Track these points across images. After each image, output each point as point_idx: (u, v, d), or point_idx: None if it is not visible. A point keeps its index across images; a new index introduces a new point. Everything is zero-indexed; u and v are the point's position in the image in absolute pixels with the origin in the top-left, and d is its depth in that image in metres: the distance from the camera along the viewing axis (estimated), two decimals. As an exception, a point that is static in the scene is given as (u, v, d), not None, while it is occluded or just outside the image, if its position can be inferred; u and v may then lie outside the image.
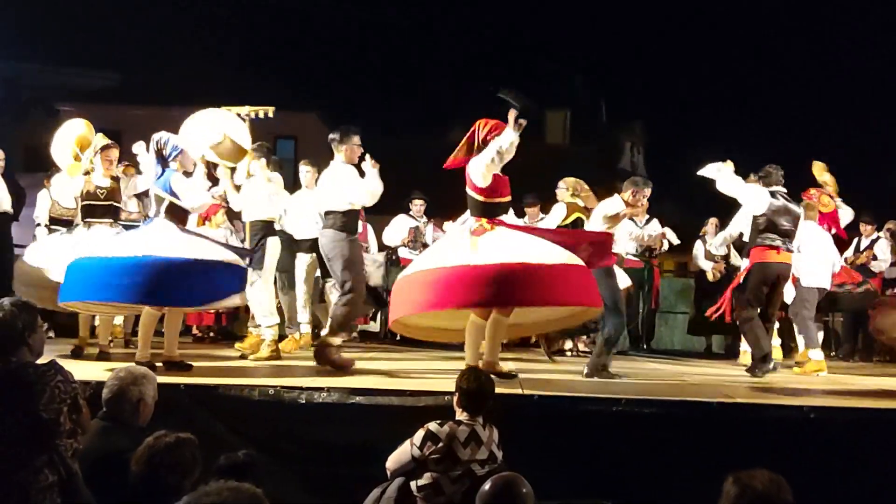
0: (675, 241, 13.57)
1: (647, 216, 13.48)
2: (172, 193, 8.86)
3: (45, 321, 6.10)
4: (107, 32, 36.60)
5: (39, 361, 4.85)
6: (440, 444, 5.78)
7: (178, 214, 8.92)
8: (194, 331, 12.88)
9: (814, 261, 10.90)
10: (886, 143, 33.01)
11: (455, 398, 6.06)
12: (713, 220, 13.64)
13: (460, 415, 5.98)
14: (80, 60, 33.64)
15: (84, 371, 6.66)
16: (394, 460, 5.96)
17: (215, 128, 9.62)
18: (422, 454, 5.80)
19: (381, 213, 13.83)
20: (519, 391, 7.49)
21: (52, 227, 12.23)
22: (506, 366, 8.40)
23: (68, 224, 12.14)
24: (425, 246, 13.52)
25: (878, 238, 13.57)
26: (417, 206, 13.90)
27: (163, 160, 9.12)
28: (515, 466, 5.41)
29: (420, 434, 5.83)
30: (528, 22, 59.44)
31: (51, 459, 4.51)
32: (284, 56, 39.50)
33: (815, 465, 6.56)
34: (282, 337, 10.63)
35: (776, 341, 11.65)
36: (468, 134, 8.66)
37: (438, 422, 5.89)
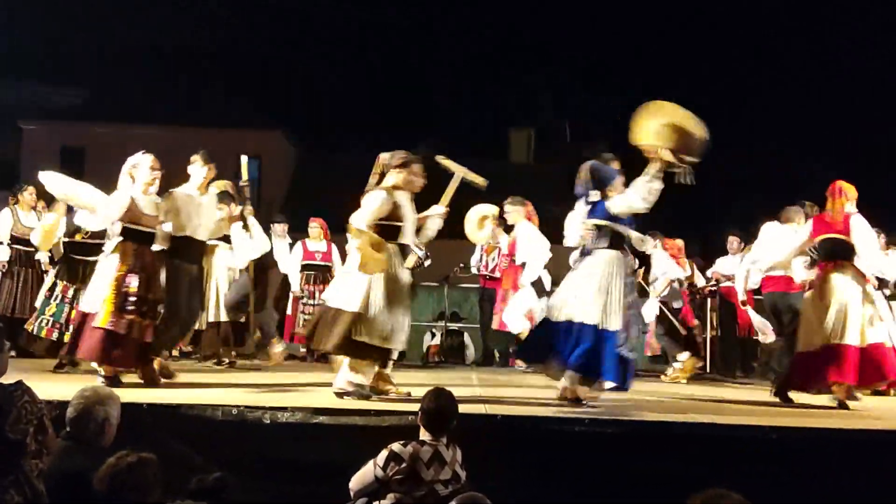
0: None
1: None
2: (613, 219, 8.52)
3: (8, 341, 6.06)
4: (72, 49, 36.51)
5: (5, 381, 4.83)
6: (403, 465, 5.78)
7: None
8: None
9: None
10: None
11: (419, 418, 6.07)
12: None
13: (424, 435, 5.98)
14: (45, 77, 33.51)
15: (48, 390, 6.62)
16: (357, 481, 5.95)
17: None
18: (385, 475, 5.79)
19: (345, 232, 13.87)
20: (482, 411, 7.50)
21: (14, 245, 12.20)
22: None
23: (30, 243, 12.14)
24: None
25: None
26: None
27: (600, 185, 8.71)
28: (479, 486, 5.43)
29: (383, 454, 5.83)
30: (492, 41, 59.64)
31: (17, 480, 4.50)
32: (249, 74, 39.38)
33: (776, 485, 6.61)
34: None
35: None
36: None
37: (402, 442, 5.89)
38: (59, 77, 34.14)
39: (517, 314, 12.55)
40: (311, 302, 13.42)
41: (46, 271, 12.35)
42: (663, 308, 12.52)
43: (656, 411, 8.27)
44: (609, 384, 8.29)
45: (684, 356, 12.32)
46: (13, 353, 11.64)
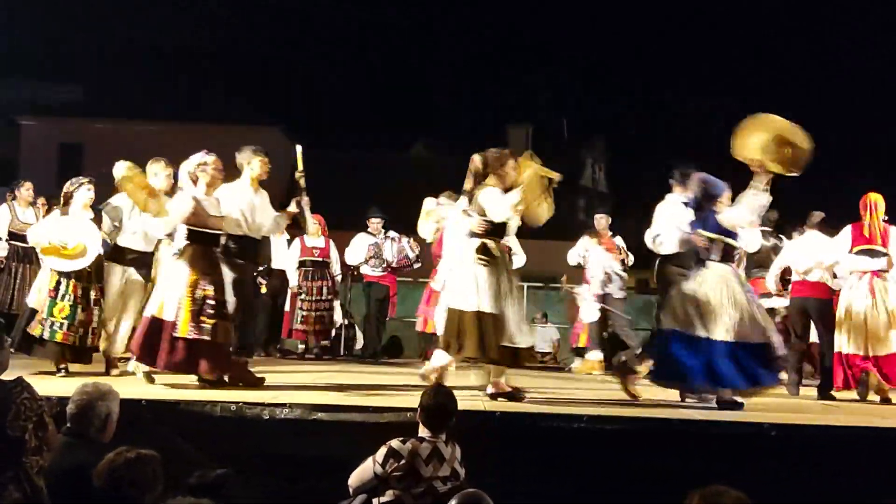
0: (631, 259, 13.60)
1: (611, 233, 13.58)
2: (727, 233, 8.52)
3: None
4: (70, 46, 36.51)
5: (5, 378, 4.82)
6: (402, 462, 5.78)
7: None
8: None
9: None
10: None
11: (418, 415, 6.07)
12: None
13: (423, 432, 5.99)
14: (42, 74, 33.50)
15: (48, 387, 6.61)
16: (356, 477, 5.95)
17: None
18: (384, 471, 5.80)
19: (342, 229, 13.88)
20: (481, 408, 7.51)
21: (11, 241, 12.20)
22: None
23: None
24: (387, 262, 13.58)
25: None
26: (374, 223, 13.89)
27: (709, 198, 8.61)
28: (478, 483, 5.43)
29: (382, 451, 5.84)
30: (490, 40, 59.69)
31: (16, 476, 4.50)
32: (248, 70, 39.39)
33: (775, 482, 6.62)
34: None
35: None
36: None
37: (401, 439, 5.89)
38: (57, 74, 34.14)
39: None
40: (308, 298, 13.41)
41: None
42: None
43: (655, 407, 8.27)
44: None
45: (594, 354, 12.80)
46: (12, 350, 11.69)
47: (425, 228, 11.73)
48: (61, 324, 9.11)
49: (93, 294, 9.28)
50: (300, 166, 9.76)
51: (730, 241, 8.48)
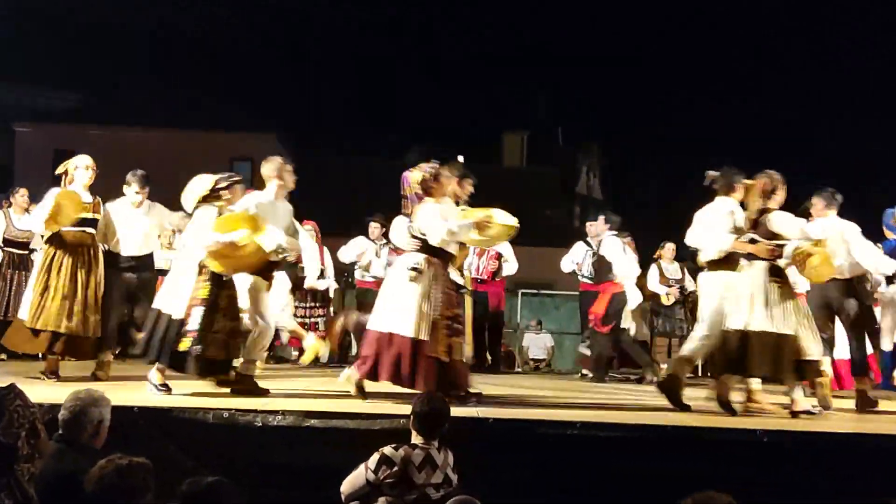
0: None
1: (600, 239, 13.58)
2: None
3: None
4: (65, 52, 36.49)
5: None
6: (395, 469, 5.78)
7: None
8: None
9: None
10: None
11: (410, 421, 6.07)
12: (669, 245, 13.76)
13: (415, 438, 5.99)
14: (38, 80, 33.47)
15: (40, 393, 6.61)
16: (348, 484, 5.95)
17: None
18: (376, 478, 5.80)
19: (336, 235, 13.88)
20: (474, 414, 7.51)
21: (7, 248, 12.19)
22: None
23: (23, 246, 12.15)
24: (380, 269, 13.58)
25: None
26: (373, 228, 13.88)
27: None
28: (471, 490, 5.43)
29: (375, 458, 5.84)
30: (486, 44, 59.77)
31: (8, 484, 4.49)
32: (242, 77, 39.41)
33: (768, 488, 6.63)
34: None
35: None
36: None
37: (393, 445, 5.89)
38: (53, 80, 34.10)
39: None
40: (303, 305, 13.39)
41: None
42: None
43: (649, 413, 8.28)
44: None
45: None
46: (3, 357, 11.71)
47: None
48: (214, 338, 8.35)
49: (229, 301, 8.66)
50: None
51: None
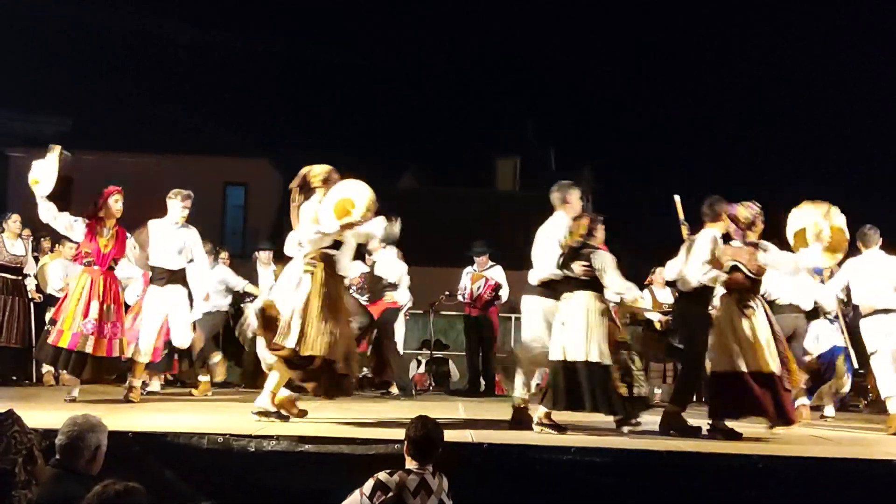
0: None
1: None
2: None
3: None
4: (59, 78, 36.54)
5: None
6: (390, 494, 5.78)
7: None
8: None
9: None
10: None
11: (404, 447, 6.08)
12: (660, 270, 13.76)
13: (410, 463, 5.99)
14: (31, 106, 33.48)
15: (38, 419, 6.60)
16: (344, 510, 5.96)
17: None
18: None
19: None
20: (469, 439, 7.51)
21: (0, 273, 12.19)
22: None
23: (17, 272, 12.17)
24: (372, 292, 13.58)
25: None
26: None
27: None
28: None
29: (370, 483, 5.84)
30: (481, 70, 59.92)
31: (5, 510, 4.49)
32: (235, 101, 39.47)
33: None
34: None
35: None
36: None
37: (388, 471, 5.90)
38: (46, 106, 34.12)
39: None
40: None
41: (33, 299, 12.36)
42: None
43: (644, 439, 8.28)
44: None
45: None
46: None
47: None
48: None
49: None
50: (681, 216, 9.71)
51: None
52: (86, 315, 9.46)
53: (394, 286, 12.92)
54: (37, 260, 12.81)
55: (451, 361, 17.10)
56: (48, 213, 9.81)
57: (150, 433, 7.28)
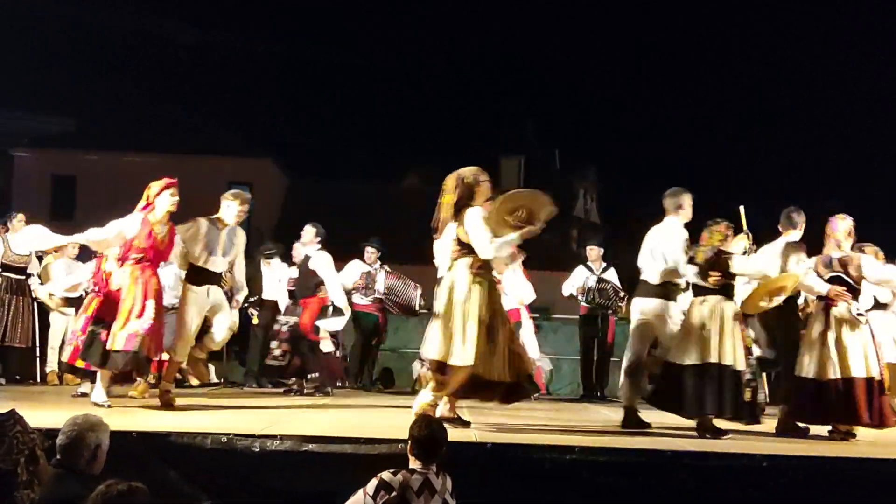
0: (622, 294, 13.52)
1: (605, 263, 13.62)
2: None
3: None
4: (62, 77, 36.64)
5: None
6: (393, 494, 5.77)
7: None
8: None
9: None
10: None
11: (408, 446, 6.07)
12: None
13: (413, 463, 5.98)
14: (35, 105, 33.57)
15: (40, 419, 6.60)
16: (347, 510, 5.95)
17: None
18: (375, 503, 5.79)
19: (338, 258, 13.86)
20: (473, 439, 7.50)
21: (5, 273, 12.19)
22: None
23: (21, 271, 12.17)
24: (377, 292, 13.57)
25: None
26: (370, 252, 13.90)
27: None
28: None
29: (373, 483, 5.83)
30: (483, 69, 59.94)
31: (7, 510, 4.48)
32: (240, 102, 39.51)
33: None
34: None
35: None
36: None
37: (392, 470, 5.88)
38: (50, 106, 34.21)
39: None
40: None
41: (37, 298, 12.36)
42: None
43: (647, 438, 8.27)
44: None
45: None
46: (2, 382, 11.72)
47: None
48: None
49: None
50: (744, 226, 9.73)
51: None
52: (141, 315, 8.96)
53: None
54: (40, 259, 12.80)
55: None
56: (96, 238, 9.29)
57: (153, 433, 7.27)
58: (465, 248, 8.19)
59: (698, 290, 8.88)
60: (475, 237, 8.08)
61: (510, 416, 8.97)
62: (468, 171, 8.43)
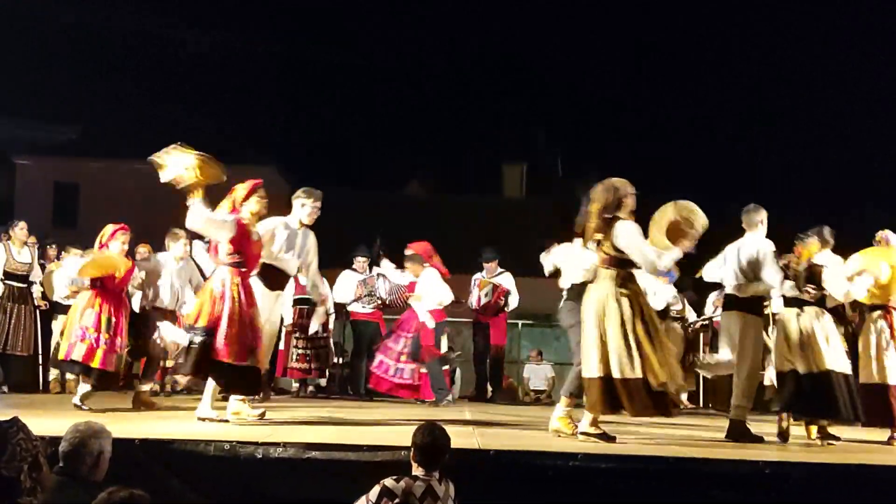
0: None
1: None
2: None
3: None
4: (65, 85, 36.64)
5: (1, 418, 4.82)
6: (396, 501, 5.76)
7: None
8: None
9: None
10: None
11: (411, 453, 6.06)
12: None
13: (416, 470, 5.97)
14: (38, 113, 33.59)
15: (44, 426, 6.60)
16: (350, 516, 5.94)
17: None
18: (378, 510, 5.79)
19: (335, 267, 13.86)
20: (475, 446, 7.50)
21: (6, 281, 12.21)
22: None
23: (23, 279, 12.19)
24: (381, 299, 13.54)
25: None
26: (360, 262, 13.90)
27: None
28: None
29: (376, 490, 5.82)
30: (486, 76, 59.96)
31: (11, 518, 4.48)
32: (241, 108, 39.51)
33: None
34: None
35: None
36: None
37: (395, 477, 5.87)
38: (53, 114, 34.23)
39: None
40: (303, 336, 13.37)
41: (39, 307, 12.37)
42: None
43: (650, 445, 8.26)
44: None
45: None
46: (5, 389, 11.72)
47: None
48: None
49: None
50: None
51: None
52: (252, 326, 8.46)
53: None
54: (43, 268, 12.82)
55: (457, 368, 17.09)
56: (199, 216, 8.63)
57: (156, 440, 7.26)
58: (614, 261, 8.21)
59: (793, 302, 9.17)
60: (641, 252, 8.06)
61: (513, 422, 8.96)
62: (618, 182, 8.43)
